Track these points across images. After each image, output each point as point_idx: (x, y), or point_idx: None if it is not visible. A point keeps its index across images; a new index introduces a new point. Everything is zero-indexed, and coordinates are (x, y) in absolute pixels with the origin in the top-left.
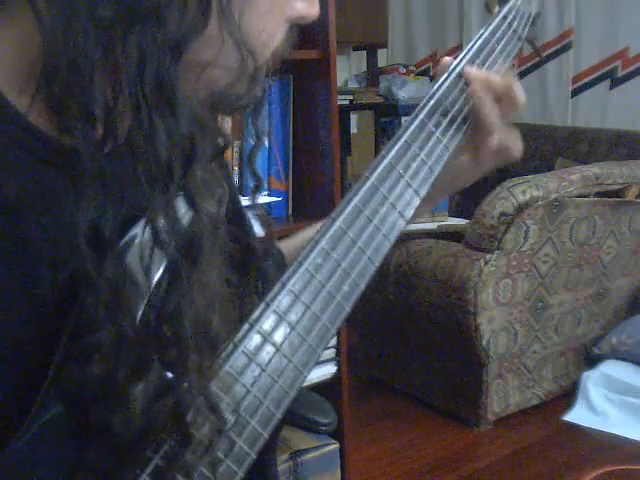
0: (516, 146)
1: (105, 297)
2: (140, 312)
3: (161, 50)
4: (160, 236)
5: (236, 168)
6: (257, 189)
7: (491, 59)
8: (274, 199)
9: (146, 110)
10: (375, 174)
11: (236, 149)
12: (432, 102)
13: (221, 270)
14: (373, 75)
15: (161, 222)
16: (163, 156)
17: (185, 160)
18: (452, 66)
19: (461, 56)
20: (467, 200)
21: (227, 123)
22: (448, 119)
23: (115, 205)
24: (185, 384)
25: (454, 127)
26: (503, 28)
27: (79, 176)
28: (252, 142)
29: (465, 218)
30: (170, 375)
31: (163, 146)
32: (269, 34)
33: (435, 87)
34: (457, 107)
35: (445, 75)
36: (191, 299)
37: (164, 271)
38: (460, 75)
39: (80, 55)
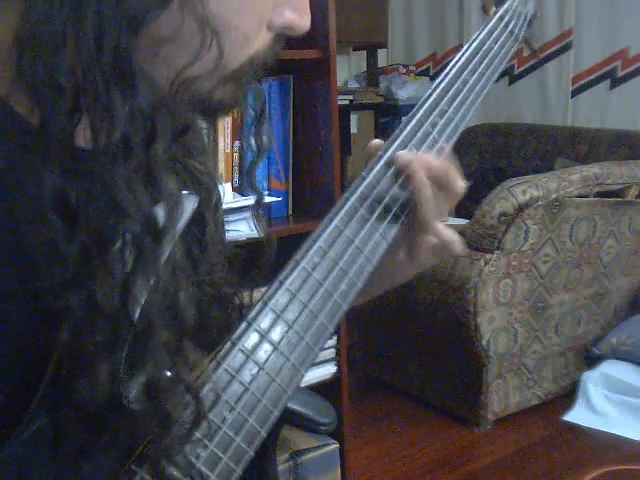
0: (455, 243)
1: (73, 265)
2: (110, 283)
3: (119, 23)
4: (122, 210)
5: (236, 168)
6: (258, 204)
7: (487, 60)
8: (274, 199)
9: (104, 82)
10: (372, 174)
11: (236, 149)
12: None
13: (186, 248)
14: (373, 75)
15: (124, 197)
16: (122, 130)
17: (146, 138)
18: (448, 68)
19: (459, 56)
20: (467, 200)
21: (227, 124)
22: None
23: (83, 176)
24: (153, 361)
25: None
26: (500, 29)
27: (45, 146)
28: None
29: (465, 218)
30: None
31: (122, 120)
32: (244, 35)
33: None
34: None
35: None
36: (153, 275)
37: (125, 244)
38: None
39: (46, 24)
